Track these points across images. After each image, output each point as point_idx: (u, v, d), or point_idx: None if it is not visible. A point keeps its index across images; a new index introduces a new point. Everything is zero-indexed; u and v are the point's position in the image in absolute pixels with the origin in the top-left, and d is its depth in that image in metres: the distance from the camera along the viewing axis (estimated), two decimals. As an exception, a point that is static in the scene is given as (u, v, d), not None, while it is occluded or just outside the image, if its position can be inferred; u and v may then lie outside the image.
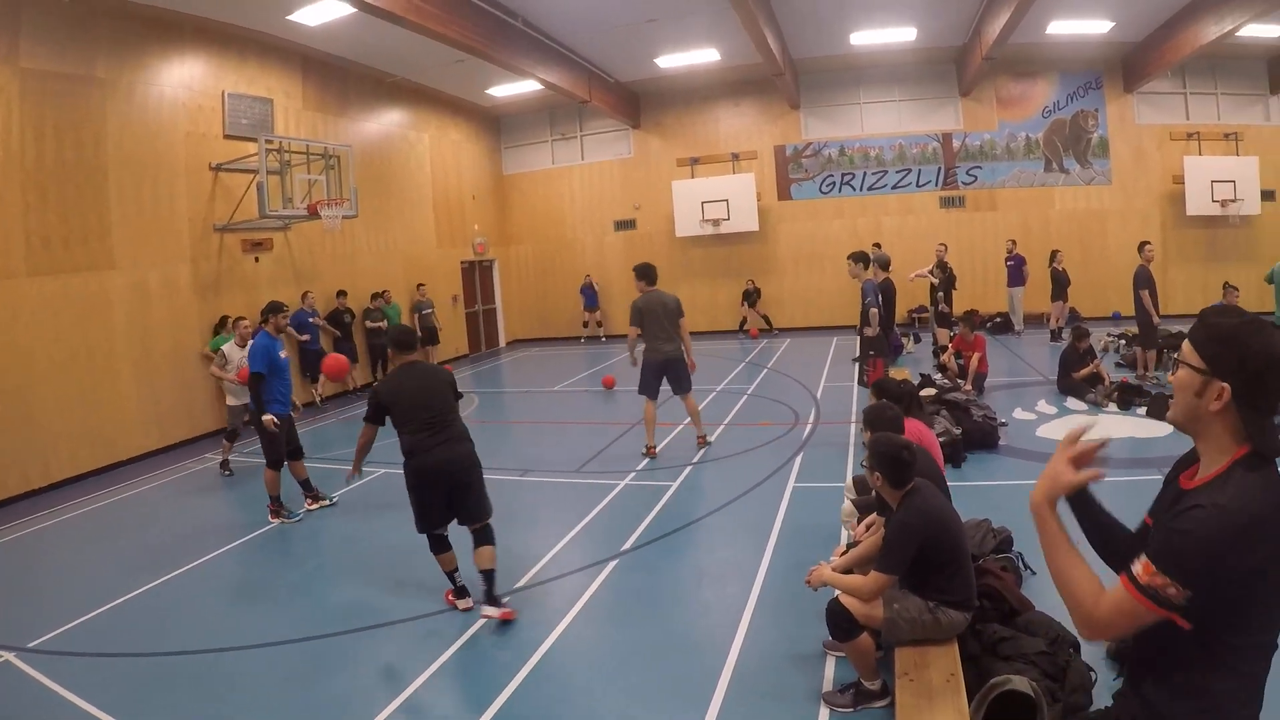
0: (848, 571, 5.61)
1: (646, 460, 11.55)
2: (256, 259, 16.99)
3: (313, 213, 15.95)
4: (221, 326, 15.38)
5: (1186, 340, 2.60)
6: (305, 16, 15.93)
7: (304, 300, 17.71)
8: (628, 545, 8.37)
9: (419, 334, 20.82)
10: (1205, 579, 2.31)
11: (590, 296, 26.79)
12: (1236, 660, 2.49)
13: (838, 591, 5.21)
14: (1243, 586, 2.35)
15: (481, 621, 6.75)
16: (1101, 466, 2.63)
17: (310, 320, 17.60)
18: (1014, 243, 22.17)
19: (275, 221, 16.35)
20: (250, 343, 10.35)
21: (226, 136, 16.13)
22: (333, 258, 19.34)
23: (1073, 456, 2.67)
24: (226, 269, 16.26)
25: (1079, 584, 2.54)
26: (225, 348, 12.39)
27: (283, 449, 10.11)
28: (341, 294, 19.05)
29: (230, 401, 13.01)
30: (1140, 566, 2.40)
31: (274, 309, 10.23)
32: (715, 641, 6.18)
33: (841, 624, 5.03)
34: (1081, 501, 2.85)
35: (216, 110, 16.05)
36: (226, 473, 12.90)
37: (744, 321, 25.90)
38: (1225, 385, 2.43)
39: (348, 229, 18.78)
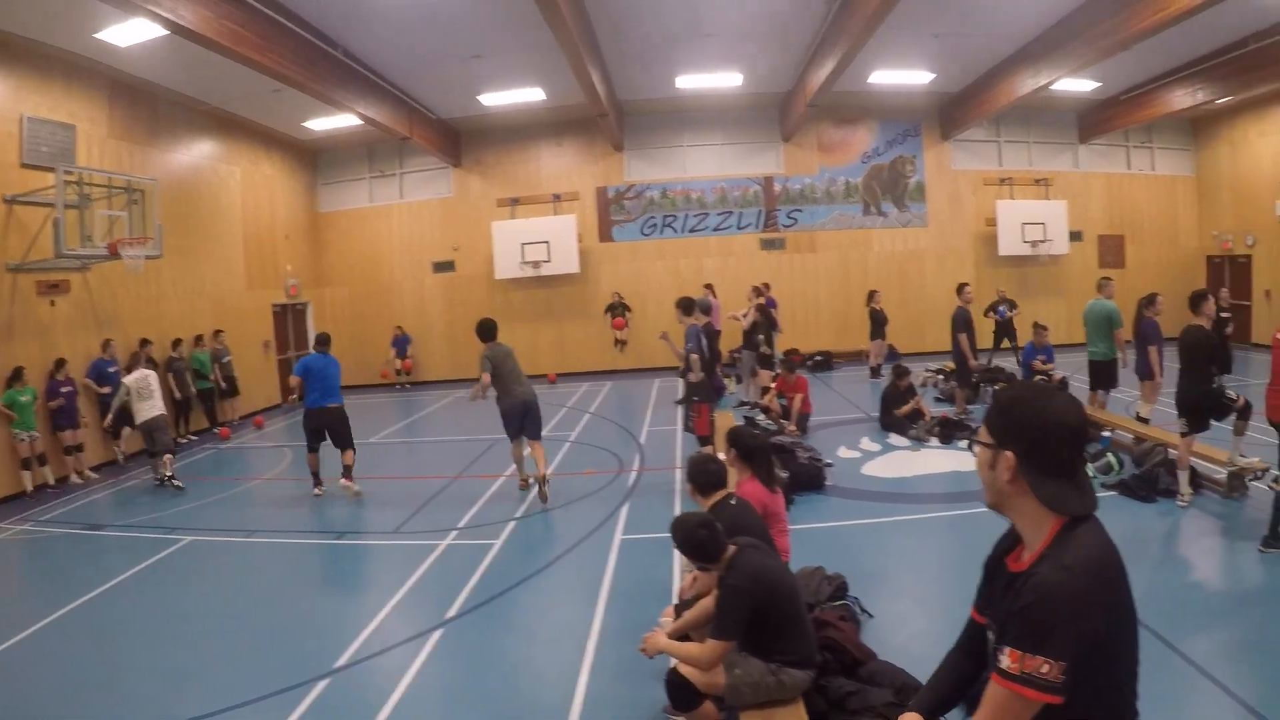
0: (684, 637, 5.62)
1: (470, 516, 11.52)
2: (53, 302, 15.94)
3: (113, 252, 15.25)
4: (15, 379, 14.50)
5: (983, 421, 2.73)
6: (115, 36, 15.05)
7: (105, 350, 16.68)
8: (453, 612, 8.17)
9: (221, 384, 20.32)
10: (1073, 645, 2.31)
11: (402, 346, 26.46)
12: None
13: (674, 660, 5.22)
14: (1102, 643, 2.36)
15: (296, 715, 6.31)
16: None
17: (110, 371, 16.45)
18: (767, 286, 22.09)
19: (73, 261, 15.50)
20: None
21: (23, 165, 15.09)
22: (135, 301, 18.24)
23: None
24: (20, 314, 15.19)
25: None
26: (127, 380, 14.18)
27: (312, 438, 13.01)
28: (145, 342, 17.69)
29: (146, 416, 13.98)
30: (1007, 658, 2.40)
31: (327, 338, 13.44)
32: (553, 715, 6.07)
33: (682, 695, 5.03)
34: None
35: (14, 135, 15.00)
36: (180, 485, 13.94)
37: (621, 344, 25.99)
38: (1009, 453, 2.53)
39: (152, 270, 17.80)
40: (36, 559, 11.54)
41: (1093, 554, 2.40)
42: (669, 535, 5.36)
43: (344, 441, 13.07)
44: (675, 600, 6.98)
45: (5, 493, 14.44)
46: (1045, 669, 2.30)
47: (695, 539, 5.08)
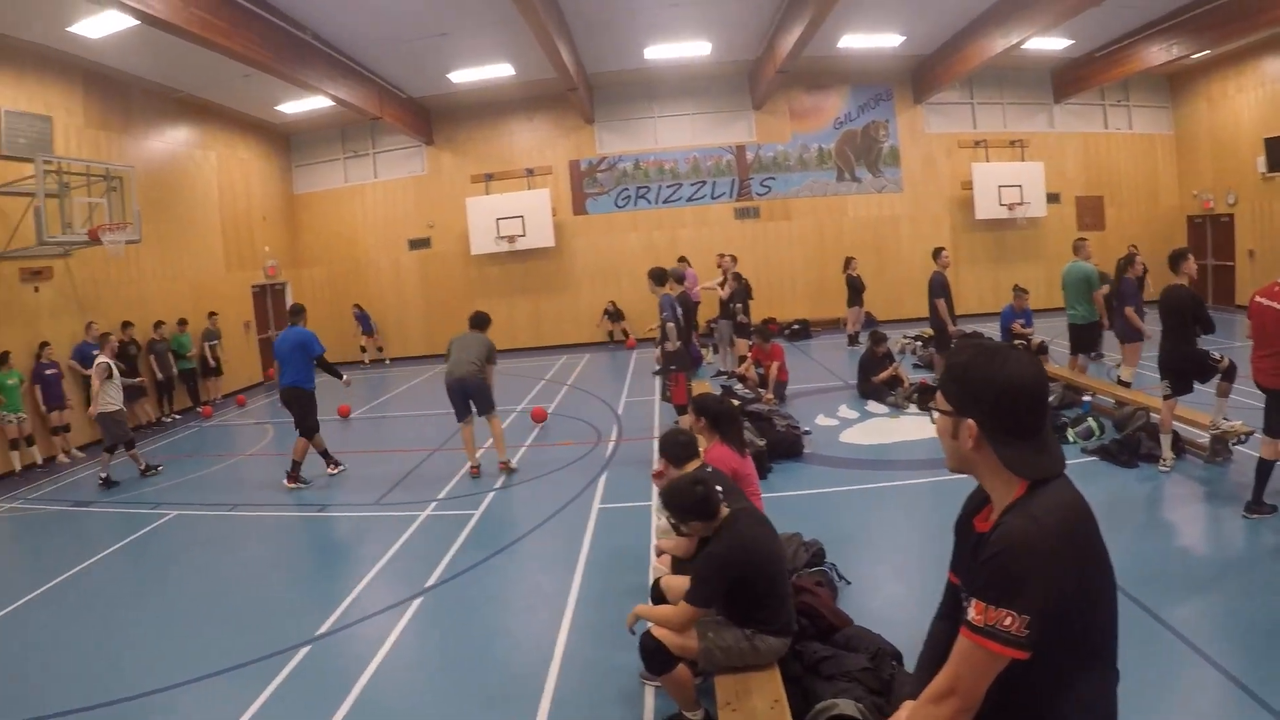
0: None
1: (449, 488, 11.80)
2: (36, 288, 16.36)
3: (94, 238, 15.59)
4: (2, 362, 14.87)
5: (939, 387, 2.69)
6: (86, 29, 15.47)
7: (88, 332, 17.00)
8: (433, 580, 8.35)
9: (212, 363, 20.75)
10: (1038, 597, 2.28)
11: (365, 322, 26.77)
12: (1082, 689, 2.48)
13: (650, 624, 5.30)
14: (1073, 598, 2.34)
15: (279, 679, 6.50)
16: None
17: (94, 354, 16.40)
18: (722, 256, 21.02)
19: (55, 248, 15.87)
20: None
21: (3, 157, 15.29)
22: (117, 286, 18.67)
23: None
24: (4, 300, 15.61)
25: None
26: (110, 363, 13.33)
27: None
28: (127, 325, 18.36)
29: (108, 408, 13.20)
30: (973, 610, 2.38)
31: (298, 310, 13.32)
32: (530, 679, 6.19)
33: (656, 658, 5.07)
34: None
35: (-8, 129, 15.36)
36: (157, 470, 13.76)
37: (612, 335, 26.40)
38: (971, 421, 2.50)
39: (132, 255, 18.16)
40: (25, 535, 11.88)
41: (1060, 507, 2.38)
42: (661, 501, 5.50)
43: (297, 424, 12.71)
44: (654, 554, 7.19)
45: (-1, 471, 14.88)
46: (1009, 622, 2.28)
47: (691, 496, 5.09)
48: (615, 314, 26.23)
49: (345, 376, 12.90)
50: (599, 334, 26.43)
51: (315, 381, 12.77)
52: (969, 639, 2.39)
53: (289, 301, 26.28)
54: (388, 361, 26.82)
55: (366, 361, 26.67)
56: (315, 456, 12.88)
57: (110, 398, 13.22)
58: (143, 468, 13.87)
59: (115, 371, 13.27)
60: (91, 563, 9.87)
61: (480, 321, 12.51)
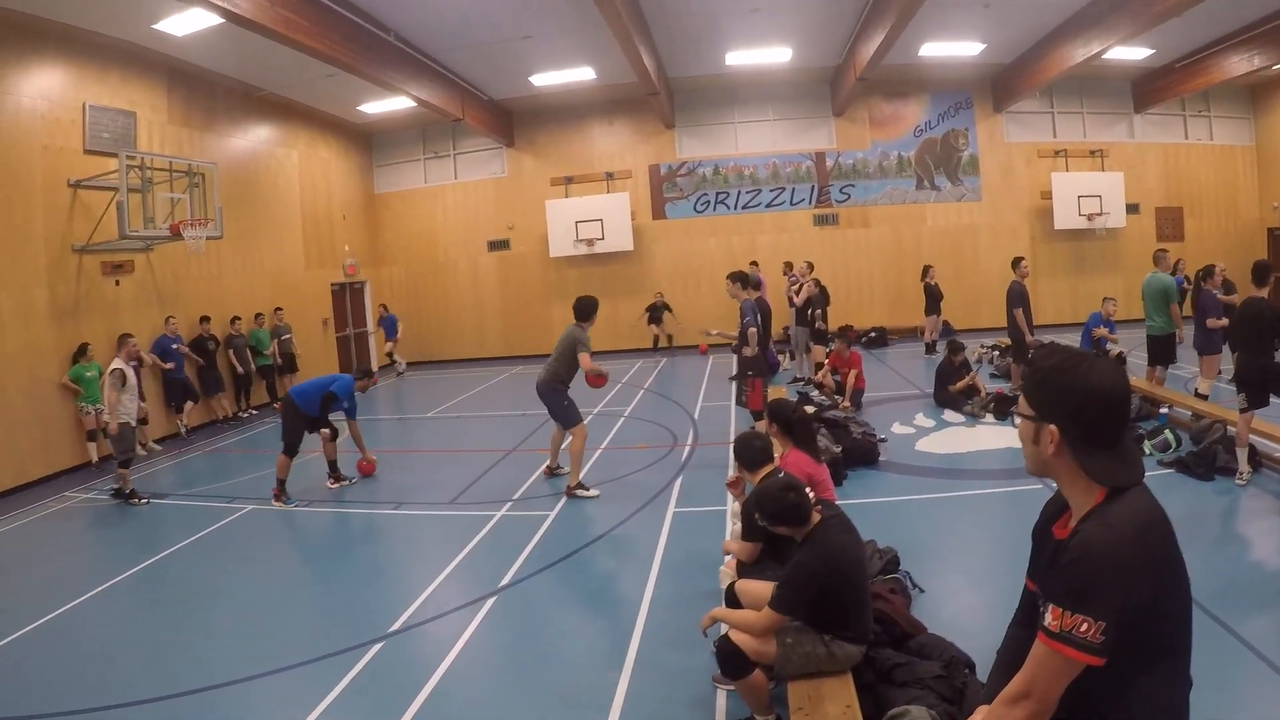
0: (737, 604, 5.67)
1: (524, 489, 11.56)
2: (117, 282, 16.39)
3: (175, 233, 15.60)
4: (81, 354, 14.94)
5: (1022, 393, 2.67)
6: (171, 26, 15.48)
7: (167, 325, 17.14)
8: (507, 580, 8.24)
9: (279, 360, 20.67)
10: (1114, 604, 2.29)
11: (389, 327, 25.78)
12: (1155, 695, 2.46)
13: (725, 627, 5.23)
14: (1149, 606, 2.33)
15: (351, 675, 6.43)
16: None
17: (174, 347, 17.05)
18: (789, 265, 21.25)
19: (137, 242, 15.91)
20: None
21: (87, 151, 15.48)
22: (197, 280, 18.69)
23: None
24: (85, 293, 15.60)
25: None
26: (124, 369, 12.16)
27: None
28: (205, 319, 18.42)
29: (122, 419, 12.11)
30: (1050, 615, 2.39)
31: (363, 371, 13.11)
32: (601, 681, 6.07)
33: (733, 662, 4.99)
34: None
35: (76, 123, 15.40)
36: (141, 502, 12.16)
37: (656, 340, 26.22)
38: (1053, 427, 2.49)
39: (212, 250, 18.19)
40: (102, 526, 11.78)
41: (1138, 515, 2.38)
42: (753, 505, 5.35)
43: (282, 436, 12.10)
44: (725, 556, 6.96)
45: (72, 463, 14.89)
46: (1085, 628, 2.29)
47: (785, 503, 5.01)
48: (660, 308, 25.79)
49: (326, 430, 12.28)
50: (678, 338, 26.11)
51: (315, 413, 12.05)
52: (1046, 644, 2.41)
53: (368, 300, 26.87)
54: (402, 371, 26.06)
55: (398, 369, 26.16)
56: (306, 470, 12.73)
57: (125, 408, 12.19)
58: (128, 491, 12.33)
59: (130, 378, 12.23)
60: (167, 554, 9.85)
61: (578, 310, 11.57)
